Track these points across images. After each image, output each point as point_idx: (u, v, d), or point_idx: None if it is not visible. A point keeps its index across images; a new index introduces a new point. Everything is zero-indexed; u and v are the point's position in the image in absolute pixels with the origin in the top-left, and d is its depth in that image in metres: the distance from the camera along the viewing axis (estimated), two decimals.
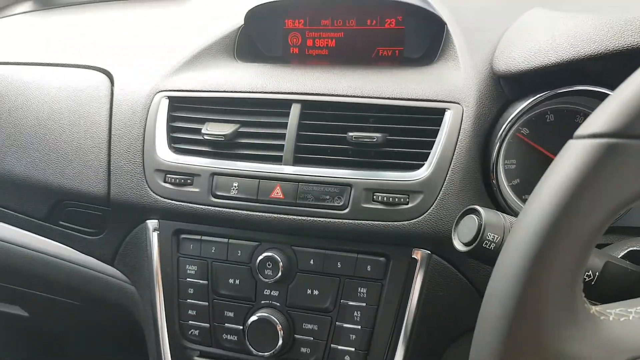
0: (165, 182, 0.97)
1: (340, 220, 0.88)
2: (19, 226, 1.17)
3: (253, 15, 1.08)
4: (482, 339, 0.44)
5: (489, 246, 0.61)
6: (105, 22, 1.33)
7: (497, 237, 0.61)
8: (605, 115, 0.41)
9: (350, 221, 0.88)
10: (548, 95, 0.83)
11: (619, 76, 0.78)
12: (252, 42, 1.14)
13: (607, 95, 0.79)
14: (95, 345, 1.62)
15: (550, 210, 0.41)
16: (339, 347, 0.92)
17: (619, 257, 0.67)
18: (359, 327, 0.91)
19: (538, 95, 0.83)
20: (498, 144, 0.86)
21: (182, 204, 0.96)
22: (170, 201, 0.97)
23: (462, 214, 0.66)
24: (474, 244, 0.62)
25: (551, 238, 0.41)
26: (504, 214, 0.64)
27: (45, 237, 1.15)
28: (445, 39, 1.00)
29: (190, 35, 1.13)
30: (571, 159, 0.41)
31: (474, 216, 0.63)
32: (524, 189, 0.89)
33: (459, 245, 0.64)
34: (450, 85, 0.90)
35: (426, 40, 1.06)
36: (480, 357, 0.44)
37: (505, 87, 0.89)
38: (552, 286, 0.41)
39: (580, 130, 0.42)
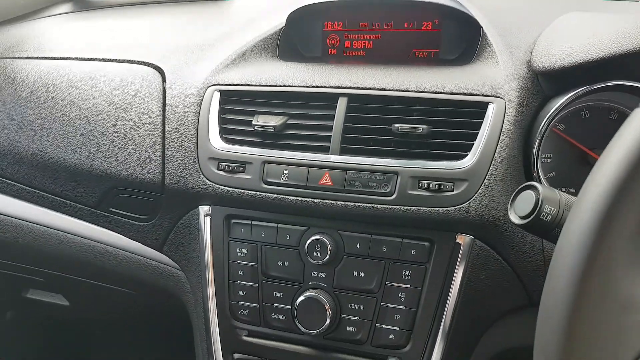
0: (218, 169, 1.02)
1: (387, 206, 0.93)
2: (68, 214, 1.22)
3: (294, 18, 1.14)
4: (555, 286, 0.48)
5: (546, 218, 0.66)
6: (151, 23, 1.38)
7: (553, 210, 0.66)
8: None
9: (397, 207, 0.93)
10: (586, 91, 0.88)
11: None
12: (292, 43, 1.19)
13: None
14: (137, 333, 1.66)
15: (621, 168, 0.46)
16: (384, 327, 0.97)
17: None
18: (404, 307, 0.96)
19: (577, 91, 0.88)
20: (538, 139, 0.90)
21: (235, 189, 1.01)
22: (223, 187, 1.02)
23: (518, 191, 0.71)
24: (531, 216, 0.66)
25: (622, 191, 0.45)
26: (559, 191, 0.69)
27: (94, 224, 1.20)
28: (482, 40, 1.06)
29: (235, 35, 1.19)
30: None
31: (531, 191, 0.68)
32: (560, 182, 0.94)
33: (515, 219, 0.69)
34: (491, 80, 0.95)
35: (462, 43, 1.11)
36: (553, 302, 0.48)
37: (544, 83, 0.95)
38: (622, 236, 0.46)
39: None
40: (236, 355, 1.06)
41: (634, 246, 0.47)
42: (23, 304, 1.51)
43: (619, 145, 0.47)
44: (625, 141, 0.47)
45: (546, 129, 0.91)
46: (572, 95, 0.89)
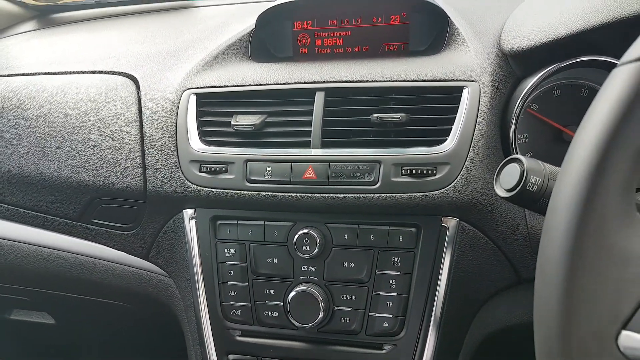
0: (200, 171, 1.02)
1: (372, 195, 0.94)
2: (49, 229, 1.20)
3: (263, 19, 1.15)
4: (551, 243, 0.49)
5: (532, 188, 0.67)
6: (119, 35, 1.37)
7: (538, 180, 0.67)
8: None
9: (382, 195, 0.94)
10: (556, 68, 0.91)
11: (622, 45, 0.86)
12: (263, 44, 1.20)
13: (611, 63, 0.88)
14: (126, 344, 1.63)
15: (607, 125, 0.47)
16: (377, 315, 0.98)
17: None
18: (395, 294, 0.97)
19: (548, 69, 0.91)
20: (514, 119, 0.93)
21: (219, 190, 1.01)
22: (206, 189, 1.02)
23: (502, 165, 0.73)
24: (518, 188, 0.68)
25: (610, 147, 0.46)
26: (542, 162, 0.71)
27: (77, 237, 1.18)
28: (450, 30, 1.08)
29: (206, 40, 1.19)
30: (621, 81, 0.47)
31: (515, 164, 0.70)
32: None
33: (502, 192, 0.70)
34: (464, 66, 0.98)
35: (430, 34, 1.14)
36: (550, 260, 0.49)
37: (514, 65, 0.97)
38: (613, 191, 0.47)
39: (625, 58, 0.48)
40: (231, 357, 1.06)
41: (624, 201, 0.48)
42: (6, 326, 1.47)
43: (604, 101, 0.48)
44: (609, 97, 0.48)
45: (521, 109, 0.93)
46: (544, 73, 0.91)
